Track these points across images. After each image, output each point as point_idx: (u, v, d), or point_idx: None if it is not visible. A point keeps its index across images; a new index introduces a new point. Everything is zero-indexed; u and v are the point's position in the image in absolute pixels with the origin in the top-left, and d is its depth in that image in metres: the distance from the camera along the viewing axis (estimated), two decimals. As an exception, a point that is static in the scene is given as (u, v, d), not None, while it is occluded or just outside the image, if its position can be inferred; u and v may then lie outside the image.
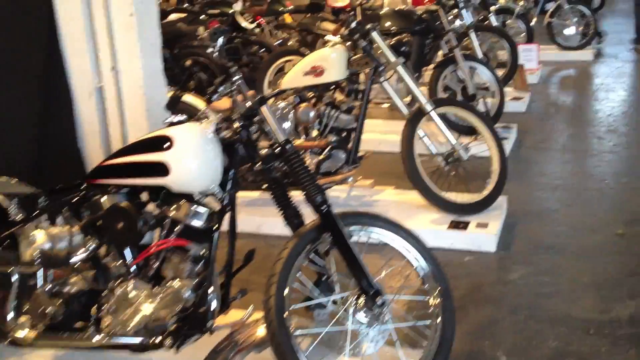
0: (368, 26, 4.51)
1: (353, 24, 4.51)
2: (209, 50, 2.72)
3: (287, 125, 2.48)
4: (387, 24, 6.21)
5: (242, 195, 4.80)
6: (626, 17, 10.94)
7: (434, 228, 4.46)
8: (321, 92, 4.63)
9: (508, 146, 6.15)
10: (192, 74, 7.96)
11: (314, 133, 4.60)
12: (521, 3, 10.10)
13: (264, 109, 2.75)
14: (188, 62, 7.92)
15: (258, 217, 4.64)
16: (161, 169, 2.64)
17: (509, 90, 7.92)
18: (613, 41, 11.50)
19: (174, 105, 2.98)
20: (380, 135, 6.43)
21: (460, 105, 4.82)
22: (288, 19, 10.25)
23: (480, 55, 7.31)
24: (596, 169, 5.73)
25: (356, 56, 4.61)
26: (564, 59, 10.34)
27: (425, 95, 4.62)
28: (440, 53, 6.69)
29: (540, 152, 6.23)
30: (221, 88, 2.77)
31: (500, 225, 4.49)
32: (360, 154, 4.76)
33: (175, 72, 7.94)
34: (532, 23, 10.15)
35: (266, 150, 2.78)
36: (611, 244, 4.33)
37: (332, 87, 4.70)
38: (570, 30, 10.38)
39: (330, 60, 4.51)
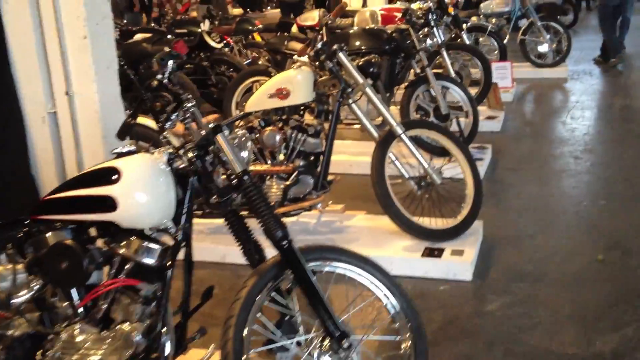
0: (334, 47, 4.34)
1: (319, 45, 4.34)
2: (158, 76, 2.54)
3: (245, 154, 2.30)
4: (357, 43, 6.06)
5: (206, 222, 4.61)
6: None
7: (407, 256, 4.28)
8: (287, 115, 4.45)
9: (483, 167, 6.00)
10: (159, 95, 7.74)
11: (281, 157, 4.41)
12: (493, 21, 10.04)
13: (220, 138, 2.56)
14: (154, 83, 7.70)
15: (223, 245, 4.42)
16: (108, 204, 2.43)
17: (482, 109, 7.80)
18: (587, 57, 11.46)
19: (126, 133, 2.79)
20: (351, 157, 6.27)
21: (432, 127, 4.65)
22: (258, 38, 10.10)
23: (452, 74, 7.20)
24: (574, 190, 5.59)
25: (323, 77, 4.44)
26: (538, 76, 10.27)
27: (395, 118, 4.44)
28: (412, 72, 6.54)
29: (516, 173, 6.08)
30: (174, 116, 2.58)
31: (476, 252, 4.31)
32: (329, 178, 4.58)
33: (141, 94, 7.73)
34: (505, 40, 10.07)
35: (223, 181, 2.59)
36: (591, 271, 4.17)
37: (302, 109, 4.54)
38: (543, 48, 10.31)
39: (296, 82, 4.34)
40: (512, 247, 4.54)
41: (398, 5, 7.97)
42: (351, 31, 6.25)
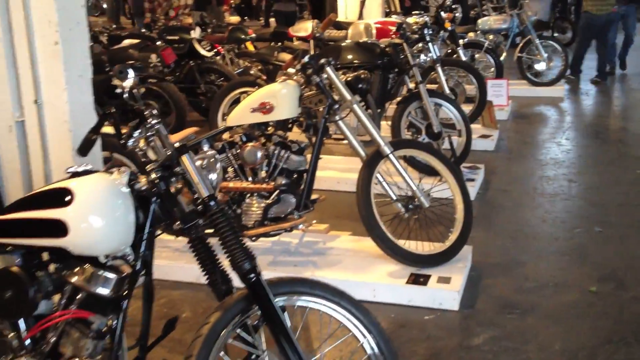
0: (322, 61, 4.14)
1: (306, 58, 4.14)
2: (117, 90, 2.32)
3: (214, 176, 2.10)
4: (349, 56, 5.87)
5: (180, 240, 4.39)
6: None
7: (391, 282, 4.06)
8: (273, 129, 4.24)
9: (474, 188, 5.81)
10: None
11: (262, 175, 4.21)
12: (491, 37, 9.86)
13: (185, 159, 2.35)
14: (142, 90, 7.51)
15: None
16: (58, 228, 2.21)
17: (477, 128, 7.62)
18: (585, 77, 11.31)
19: (88, 149, 2.57)
20: (339, 173, 6.07)
21: (421, 147, 4.44)
22: (250, 47, 9.89)
23: (447, 90, 7.01)
24: (567, 216, 5.39)
25: (309, 92, 4.24)
26: (535, 94, 10.11)
27: (383, 138, 4.24)
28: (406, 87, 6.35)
29: (508, 196, 5.89)
30: (136, 133, 2.37)
31: (463, 280, 4.10)
32: (314, 196, 4.38)
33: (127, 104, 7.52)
34: (502, 58, 9.89)
35: (188, 206, 2.38)
36: (584, 304, 3.96)
37: (290, 124, 4.35)
38: (540, 66, 10.15)
39: (280, 96, 4.13)
40: (502, 275, 4.34)
41: (393, 18, 7.77)
42: (344, 44, 6.06)
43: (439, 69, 6.98)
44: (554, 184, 6.15)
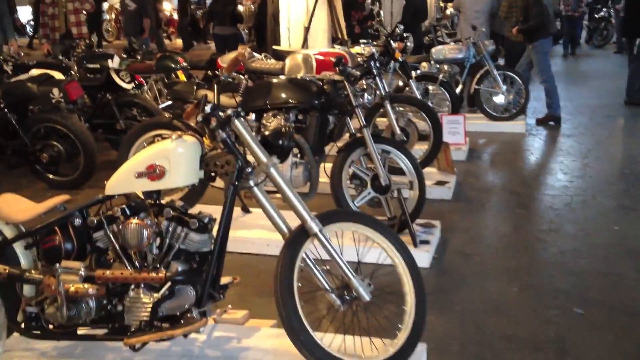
0: (229, 112, 3.16)
1: (207, 108, 3.16)
2: None
3: None
4: (281, 95, 4.91)
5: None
6: (557, 80, 9.86)
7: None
8: (166, 199, 3.26)
9: (429, 253, 4.87)
10: (45, 146, 6.51)
11: (152, 259, 3.21)
12: (445, 67, 9.00)
13: None
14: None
15: None
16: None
17: (431, 172, 6.73)
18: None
19: None
20: (269, 233, 5.05)
21: (361, 220, 3.42)
22: (182, 77, 8.92)
23: (397, 131, 6.12)
24: (541, 292, 4.46)
25: (214, 152, 3.26)
26: (494, 129, 9.30)
27: (308, 211, 3.24)
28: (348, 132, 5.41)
29: (469, 261, 4.95)
30: None
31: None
32: (225, 280, 3.39)
33: (24, 144, 6.49)
34: (458, 90, 9.03)
35: None
36: None
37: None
38: (499, 99, 9.32)
39: (174, 157, 3.14)
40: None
41: (336, 49, 6.86)
42: (275, 81, 5.09)
43: (389, 107, 6.10)
44: (523, 245, 5.24)
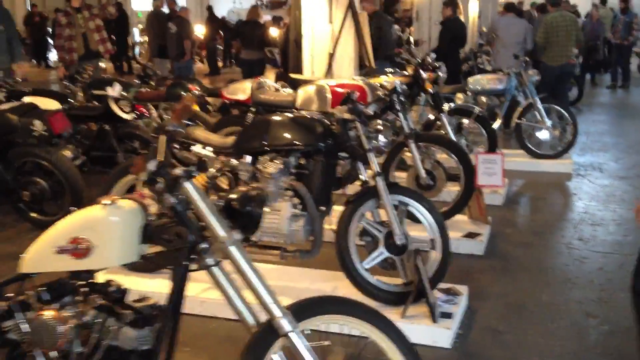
0: (177, 171, 2.41)
1: (152, 165, 2.41)
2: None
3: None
4: (281, 135, 4.18)
5: None
6: (608, 112, 8.95)
7: None
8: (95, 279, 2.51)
9: (451, 331, 4.04)
10: (28, 182, 5.85)
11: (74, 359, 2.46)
12: (483, 99, 8.16)
13: None
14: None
15: None
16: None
17: (462, 220, 5.90)
18: (596, 146, 9.64)
19: None
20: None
21: (348, 312, 2.63)
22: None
23: (422, 174, 5.36)
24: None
25: (161, 221, 2.51)
26: (536, 169, 8.39)
27: (279, 305, 2.46)
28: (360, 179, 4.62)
29: (501, 342, 4.10)
30: None
31: None
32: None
33: (4, 181, 5.83)
34: (496, 125, 8.16)
35: None
36: None
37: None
38: (543, 135, 8.43)
39: (104, 228, 2.40)
40: None
41: (355, 80, 6.10)
42: (274, 118, 4.34)
43: (413, 146, 5.36)
44: (565, 320, 4.38)
